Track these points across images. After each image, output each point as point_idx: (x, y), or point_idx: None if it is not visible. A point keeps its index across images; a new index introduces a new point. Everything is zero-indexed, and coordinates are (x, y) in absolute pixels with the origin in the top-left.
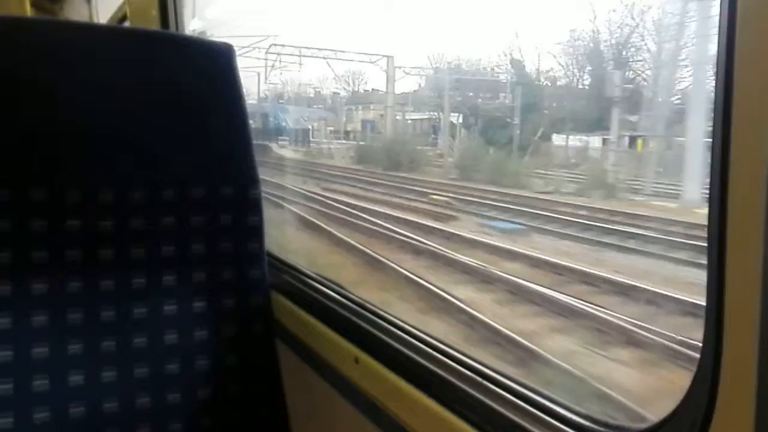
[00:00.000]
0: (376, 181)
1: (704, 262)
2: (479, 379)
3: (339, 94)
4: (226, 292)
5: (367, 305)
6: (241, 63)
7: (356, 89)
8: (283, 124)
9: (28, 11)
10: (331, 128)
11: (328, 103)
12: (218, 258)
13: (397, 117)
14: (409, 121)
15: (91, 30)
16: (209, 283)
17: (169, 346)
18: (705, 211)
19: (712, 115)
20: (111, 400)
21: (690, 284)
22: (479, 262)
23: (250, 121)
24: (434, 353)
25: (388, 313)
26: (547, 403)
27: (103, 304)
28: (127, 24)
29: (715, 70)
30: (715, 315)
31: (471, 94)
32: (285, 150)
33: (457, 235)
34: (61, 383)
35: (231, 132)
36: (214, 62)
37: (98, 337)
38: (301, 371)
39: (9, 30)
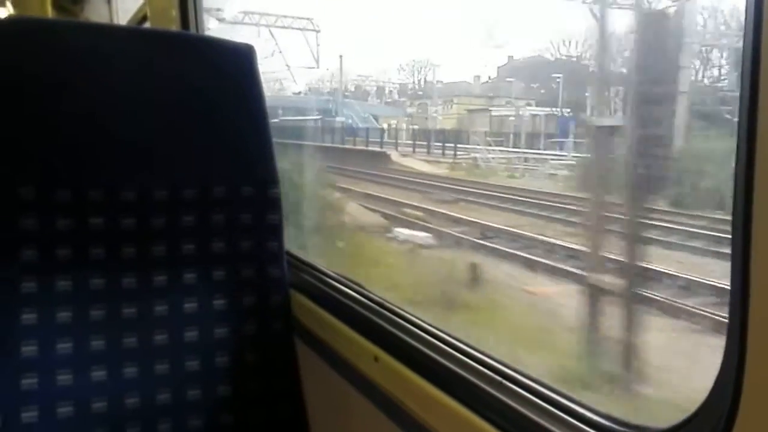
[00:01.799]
0: None
1: None
2: (499, 378)
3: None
4: (246, 290)
5: (387, 304)
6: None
7: (421, 80)
8: (349, 121)
9: (50, 11)
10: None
11: (393, 97)
12: (238, 256)
13: (494, 113)
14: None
15: (112, 31)
16: (229, 281)
17: (189, 343)
18: None
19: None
20: (133, 396)
21: None
22: None
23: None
24: (454, 352)
25: (408, 312)
26: (568, 403)
27: (125, 302)
28: (147, 24)
29: (740, 69)
30: (739, 313)
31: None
32: (411, 160)
33: None
34: (85, 378)
35: (252, 132)
36: (235, 63)
37: (120, 334)
38: (321, 369)
39: (32, 31)
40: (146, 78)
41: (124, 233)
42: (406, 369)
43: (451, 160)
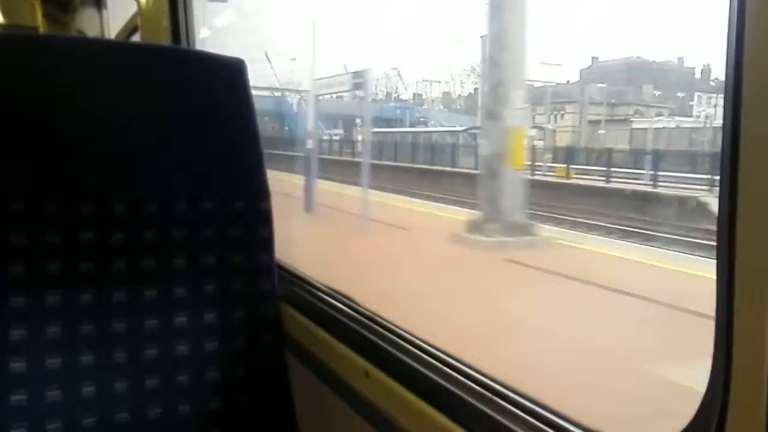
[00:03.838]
0: None
1: None
2: (489, 394)
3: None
4: (236, 304)
5: (377, 319)
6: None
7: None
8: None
9: (40, 21)
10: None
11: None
12: (229, 270)
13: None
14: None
15: (103, 45)
16: (219, 294)
17: (179, 358)
18: None
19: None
20: (123, 411)
21: None
22: None
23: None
24: (444, 368)
25: (399, 327)
26: (558, 420)
27: (115, 316)
28: (138, 35)
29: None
30: (725, 329)
31: None
32: None
33: None
34: (74, 394)
35: (242, 146)
36: (226, 77)
37: (110, 349)
38: (311, 383)
39: (20, 45)
40: (136, 92)
41: (114, 247)
42: (397, 384)
43: None
